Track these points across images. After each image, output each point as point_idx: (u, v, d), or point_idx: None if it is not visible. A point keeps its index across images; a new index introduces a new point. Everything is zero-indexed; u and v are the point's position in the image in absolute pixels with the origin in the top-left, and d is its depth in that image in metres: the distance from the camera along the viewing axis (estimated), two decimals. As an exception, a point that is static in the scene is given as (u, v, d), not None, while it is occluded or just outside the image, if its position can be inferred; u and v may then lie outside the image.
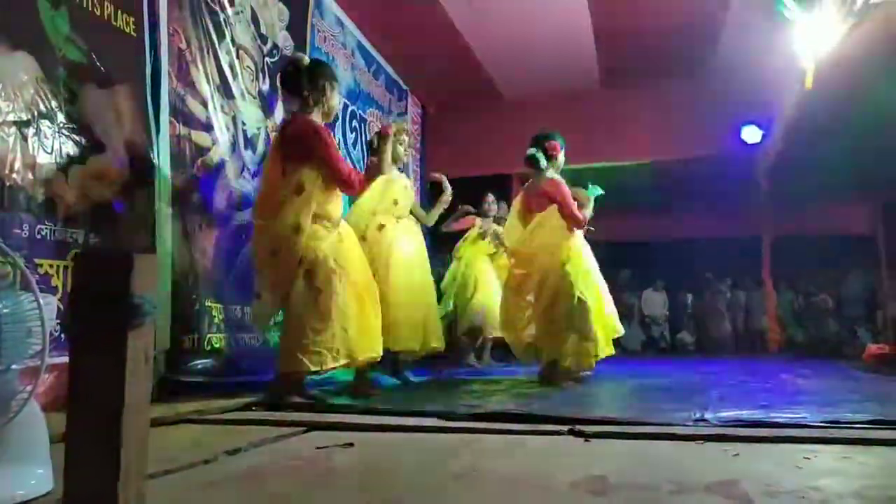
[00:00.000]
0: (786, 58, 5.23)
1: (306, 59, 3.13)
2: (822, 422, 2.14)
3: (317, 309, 2.81)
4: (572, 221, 3.86)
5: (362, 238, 3.50)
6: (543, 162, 3.95)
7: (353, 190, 3.05)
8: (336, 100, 3.12)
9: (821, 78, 4.69)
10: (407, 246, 3.84)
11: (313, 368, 2.80)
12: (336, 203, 3.02)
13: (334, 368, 2.92)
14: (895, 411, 2.34)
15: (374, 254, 3.60)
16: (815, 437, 1.94)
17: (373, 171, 3.18)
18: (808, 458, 1.71)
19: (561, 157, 4.01)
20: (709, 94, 6.45)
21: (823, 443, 1.90)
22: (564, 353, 3.65)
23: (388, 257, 3.69)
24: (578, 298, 3.67)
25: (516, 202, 4.17)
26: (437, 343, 3.87)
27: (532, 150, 3.98)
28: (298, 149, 2.91)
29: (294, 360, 2.78)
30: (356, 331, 2.92)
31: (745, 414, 2.34)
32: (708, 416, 2.29)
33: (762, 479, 1.48)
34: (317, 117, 3.04)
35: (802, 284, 9.58)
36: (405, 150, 4.08)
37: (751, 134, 6.71)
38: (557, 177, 3.97)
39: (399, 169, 4.06)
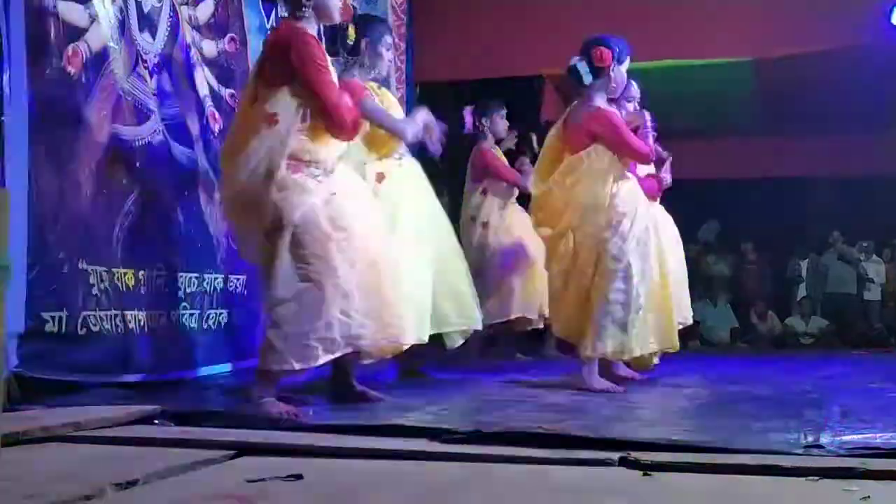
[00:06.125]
0: None
1: None
2: None
3: (306, 289, 3.00)
4: (633, 155, 4.05)
5: None
6: (588, 77, 4.02)
7: (343, 132, 3.22)
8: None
9: None
10: (419, 202, 4.05)
11: (298, 366, 3.01)
12: (327, 142, 3.17)
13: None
14: None
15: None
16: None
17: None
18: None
19: (617, 71, 4.09)
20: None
21: None
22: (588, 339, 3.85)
23: (395, 219, 3.83)
24: (623, 277, 3.83)
25: (551, 135, 4.29)
26: (468, 321, 4.23)
27: (574, 61, 4.06)
28: (278, 64, 3.13)
29: (274, 356, 3.00)
30: (365, 312, 3.11)
31: (880, 438, 2.38)
32: (824, 439, 2.33)
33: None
34: (310, 26, 3.21)
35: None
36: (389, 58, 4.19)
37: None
38: (605, 105, 4.08)
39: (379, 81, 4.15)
